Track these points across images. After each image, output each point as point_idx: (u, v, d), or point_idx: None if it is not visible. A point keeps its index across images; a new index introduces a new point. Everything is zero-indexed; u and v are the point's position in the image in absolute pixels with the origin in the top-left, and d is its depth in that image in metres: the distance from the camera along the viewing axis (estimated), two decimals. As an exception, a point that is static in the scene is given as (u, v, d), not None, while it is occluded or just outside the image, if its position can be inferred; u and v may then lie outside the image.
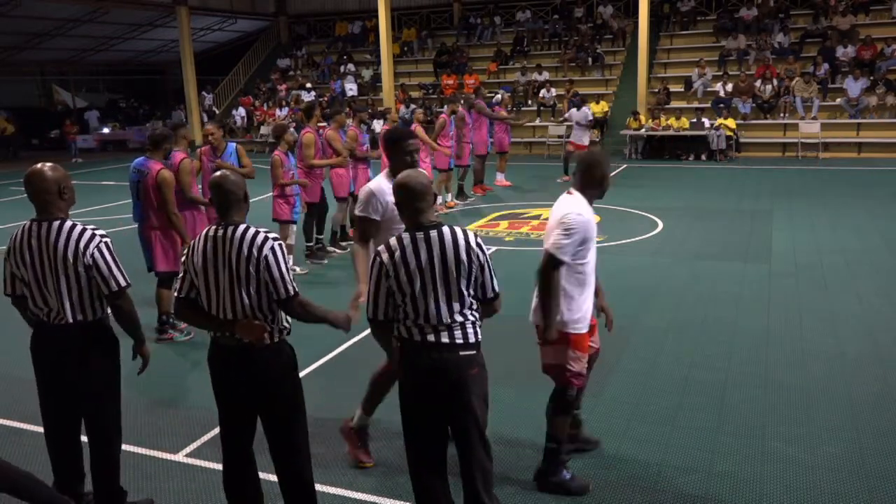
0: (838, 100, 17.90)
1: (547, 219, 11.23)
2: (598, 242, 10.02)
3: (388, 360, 3.79)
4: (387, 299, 3.07)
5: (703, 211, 10.57)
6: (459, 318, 3.04)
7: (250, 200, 3.33)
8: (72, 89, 31.27)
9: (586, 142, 14.72)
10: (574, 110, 15.05)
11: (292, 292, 3.14)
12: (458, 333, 3.04)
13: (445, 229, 3.04)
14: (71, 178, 3.48)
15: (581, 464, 4.13)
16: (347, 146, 9.27)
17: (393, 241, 3.07)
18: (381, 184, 3.97)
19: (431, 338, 3.03)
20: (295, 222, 8.30)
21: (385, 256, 3.04)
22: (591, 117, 15.01)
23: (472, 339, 3.07)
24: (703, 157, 17.40)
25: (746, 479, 3.91)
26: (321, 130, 9.14)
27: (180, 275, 3.29)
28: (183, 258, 3.27)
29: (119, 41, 29.33)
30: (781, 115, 18.43)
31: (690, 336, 6.03)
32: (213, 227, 3.20)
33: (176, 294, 3.28)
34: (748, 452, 4.18)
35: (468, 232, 3.08)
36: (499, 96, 14.84)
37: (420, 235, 3.02)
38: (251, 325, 3.11)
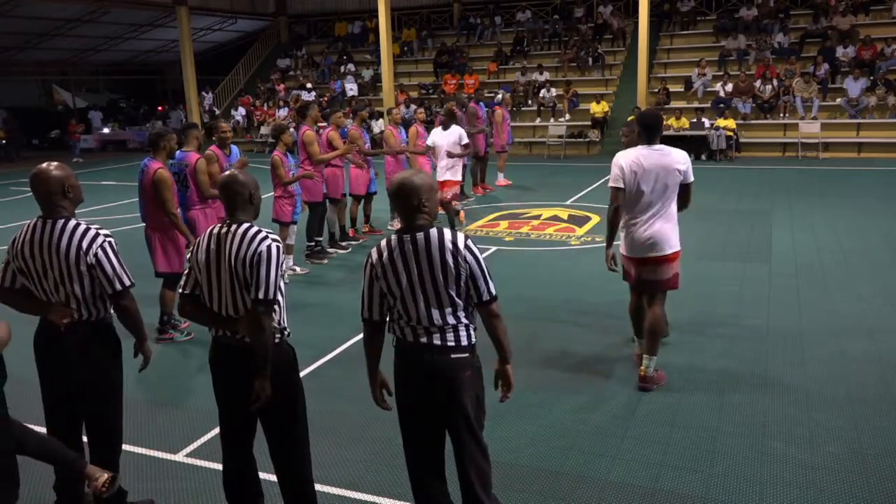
0: (838, 100, 17.90)
1: (547, 219, 11.25)
2: (597, 242, 9.99)
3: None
4: (380, 300, 3.08)
5: (703, 211, 10.55)
6: (452, 321, 3.02)
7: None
8: (72, 89, 31.27)
9: (459, 176, 9.93)
10: (439, 131, 9.93)
11: (270, 296, 3.09)
12: (450, 336, 3.02)
13: (433, 231, 3.00)
14: (77, 177, 3.48)
15: (582, 462, 4.14)
16: (354, 146, 9.28)
17: (384, 242, 3.07)
18: None
19: (424, 339, 3.03)
20: (295, 223, 8.29)
21: (375, 257, 3.05)
22: (465, 141, 9.82)
23: (464, 342, 3.05)
24: (703, 157, 17.40)
25: (746, 479, 3.91)
26: (320, 130, 9.15)
27: (185, 271, 3.30)
28: (188, 255, 3.28)
29: (119, 41, 29.32)
30: (781, 115, 18.43)
31: (690, 336, 6.03)
32: (219, 226, 3.21)
33: (180, 290, 3.29)
34: (748, 452, 4.18)
35: (458, 234, 3.03)
36: (499, 96, 14.73)
37: (407, 238, 3.00)
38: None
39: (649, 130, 4.99)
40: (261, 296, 3.07)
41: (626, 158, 5.00)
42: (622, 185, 5.03)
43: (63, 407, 3.51)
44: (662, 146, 4.97)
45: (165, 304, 6.40)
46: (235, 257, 3.11)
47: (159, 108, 29.38)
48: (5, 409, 2.95)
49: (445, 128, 9.87)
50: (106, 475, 3.33)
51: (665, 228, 5.01)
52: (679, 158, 4.95)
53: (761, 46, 19.99)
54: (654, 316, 5.05)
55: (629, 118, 18.33)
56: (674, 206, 5.03)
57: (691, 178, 5.02)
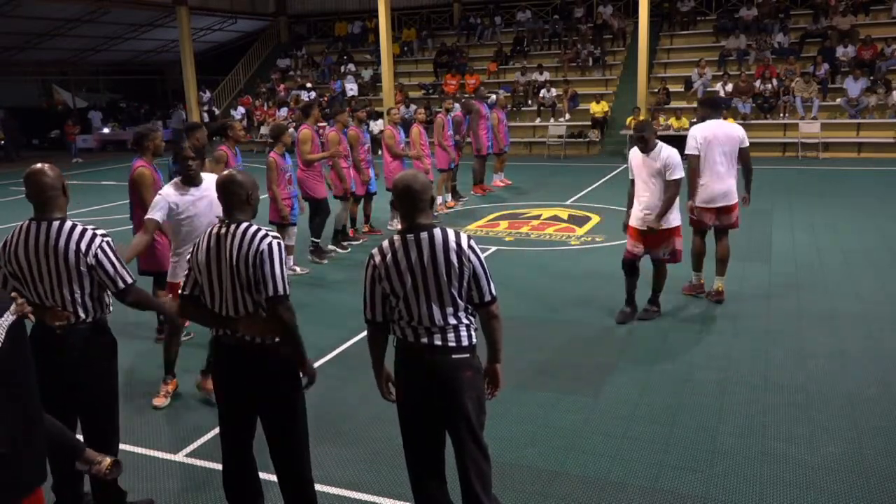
0: (838, 100, 17.90)
1: (547, 219, 11.25)
2: (597, 242, 9.99)
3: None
4: (382, 301, 3.07)
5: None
6: (453, 321, 3.03)
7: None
8: (72, 89, 31.27)
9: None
10: (167, 191, 5.03)
11: (281, 292, 3.09)
12: (451, 336, 3.03)
13: (437, 231, 3.02)
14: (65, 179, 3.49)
15: (582, 462, 4.14)
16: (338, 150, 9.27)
17: (386, 243, 3.07)
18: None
19: (425, 340, 3.03)
20: (295, 224, 8.29)
21: (378, 259, 3.05)
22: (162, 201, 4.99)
23: (465, 343, 3.05)
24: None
25: (746, 479, 3.91)
26: (320, 130, 9.14)
27: (184, 272, 3.30)
28: (188, 256, 3.29)
29: (119, 41, 29.32)
30: (781, 115, 18.44)
31: (690, 336, 6.03)
32: (217, 226, 3.21)
33: (180, 291, 3.29)
34: (748, 452, 4.18)
35: (461, 234, 3.05)
36: (493, 97, 14.63)
37: (411, 237, 3.01)
38: (254, 321, 3.13)
39: (717, 108, 6.78)
40: (271, 293, 3.09)
41: (702, 131, 6.48)
42: (697, 153, 6.45)
43: (59, 407, 3.49)
44: (724, 121, 6.76)
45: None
46: (237, 257, 3.11)
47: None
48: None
49: (172, 177, 5.82)
50: (108, 459, 3.33)
51: (731, 183, 6.59)
52: (739, 129, 6.62)
53: (761, 46, 19.99)
54: (725, 247, 6.77)
55: (629, 119, 18.42)
56: (735, 167, 6.58)
57: (747, 143, 6.61)
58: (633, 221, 6.27)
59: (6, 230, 3.50)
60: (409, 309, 3.02)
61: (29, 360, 2.60)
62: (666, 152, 6.02)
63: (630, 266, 6.34)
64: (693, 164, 6.47)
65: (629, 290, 6.42)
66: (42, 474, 2.66)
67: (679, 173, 6.02)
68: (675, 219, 6.19)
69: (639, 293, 6.48)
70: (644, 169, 6.12)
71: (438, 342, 3.02)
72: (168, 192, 4.95)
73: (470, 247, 3.02)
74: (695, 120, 17.55)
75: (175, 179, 5.03)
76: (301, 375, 3.28)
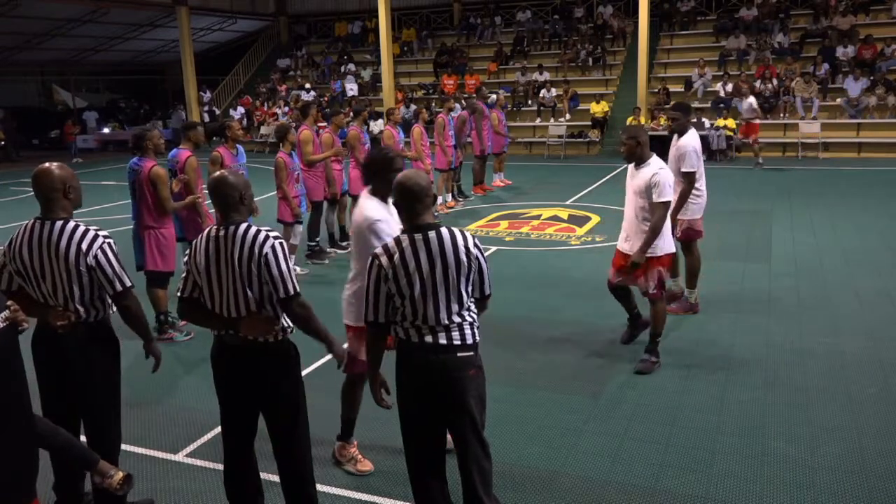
0: (838, 100, 17.90)
1: (547, 219, 11.23)
2: (597, 242, 9.97)
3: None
4: (386, 302, 3.07)
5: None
6: (458, 319, 3.05)
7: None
8: (72, 89, 31.25)
9: None
10: (380, 213, 3.82)
11: (292, 292, 3.13)
12: (455, 335, 3.04)
13: (444, 231, 3.04)
14: (78, 180, 3.48)
15: (582, 462, 4.14)
16: (341, 149, 9.27)
17: (391, 242, 3.07)
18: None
19: (429, 339, 3.03)
20: (301, 222, 8.29)
21: (384, 259, 3.04)
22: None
23: (469, 341, 3.07)
24: (703, 157, 17.37)
25: (746, 479, 3.91)
26: (320, 130, 9.15)
27: (183, 275, 3.28)
28: (185, 258, 3.27)
29: (119, 41, 29.30)
30: (781, 115, 18.43)
31: (690, 336, 6.03)
32: (215, 227, 3.20)
33: (179, 294, 3.28)
34: (748, 452, 4.18)
35: (466, 233, 3.09)
36: (493, 97, 14.62)
37: (419, 237, 3.01)
38: (256, 321, 3.13)
39: (691, 113, 6.68)
40: (283, 294, 3.11)
41: (696, 143, 6.33)
42: (695, 169, 6.27)
43: (61, 407, 3.50)
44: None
45: (159, 304, 6.37)
46: (239, 260, 3.10)
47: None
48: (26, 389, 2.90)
49: None
50: (120, 473, 3.33)
51: None
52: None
53: (761, 46, 19.99)
54: (698, 257, 6.58)
55: (629, 119, 18.41)
56: None
57: None
58: (619, 243, 5.57)
59: (5, 230, 3.50)
60: (416, 309, 3.02)
61: (19, 369, 2.57)
62: (655, 168, 5.11)
63: (614, 292, 5.74)
64: (694, 181, 6.27)
65: (627, 310, 5.87)
66: (31, 492, 2.63)
67: (668, 195, 5.10)
68: (666, 245, 5.29)
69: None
70: (631, 184, 5.31)
71: (443, 340, 3.03)
72: (381, 215, 3.72)
73: (475, 245, 3.08)
74: (694, 120, 17.70)
75: (368, 192, 3.85)
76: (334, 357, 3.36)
